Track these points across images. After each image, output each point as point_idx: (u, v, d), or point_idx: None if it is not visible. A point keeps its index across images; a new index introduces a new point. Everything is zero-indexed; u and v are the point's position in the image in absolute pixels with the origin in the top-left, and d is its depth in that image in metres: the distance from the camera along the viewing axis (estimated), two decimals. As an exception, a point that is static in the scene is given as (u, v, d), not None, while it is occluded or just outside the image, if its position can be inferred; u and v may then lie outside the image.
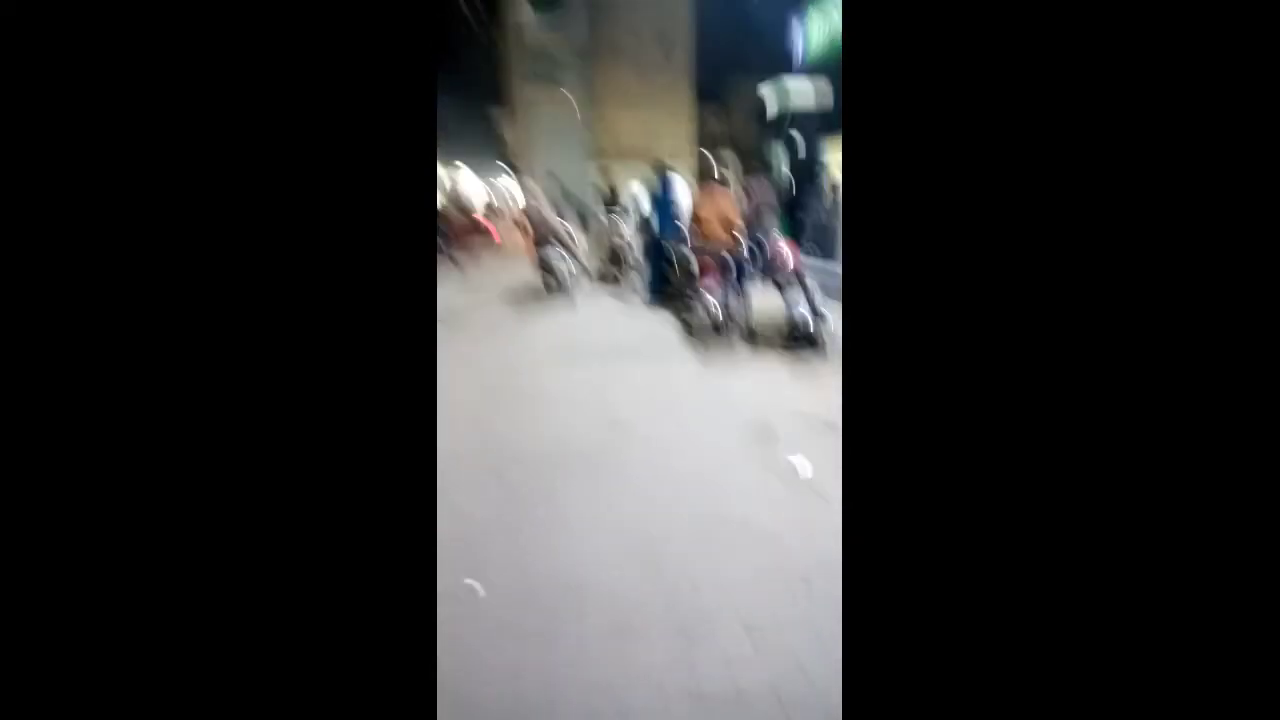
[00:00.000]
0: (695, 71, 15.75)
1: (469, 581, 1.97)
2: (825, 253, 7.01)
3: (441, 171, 16.26)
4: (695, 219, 5.19)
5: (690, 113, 16.26)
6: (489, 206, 14.98)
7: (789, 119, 9.55)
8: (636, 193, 7.95)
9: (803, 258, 4.91)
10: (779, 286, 4.85)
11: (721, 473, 2.75)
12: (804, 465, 2.76)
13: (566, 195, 10.09)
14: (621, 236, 7.84)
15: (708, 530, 2.29)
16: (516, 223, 7.33)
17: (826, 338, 4.62)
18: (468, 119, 15.82)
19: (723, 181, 5.34)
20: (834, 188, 7.60)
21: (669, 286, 6.38)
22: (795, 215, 8.10)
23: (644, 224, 7.17)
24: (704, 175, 5.34)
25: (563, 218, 7.35)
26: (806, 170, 9.00)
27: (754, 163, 9.70)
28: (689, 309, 5.35)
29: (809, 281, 4.70)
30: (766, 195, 7.02)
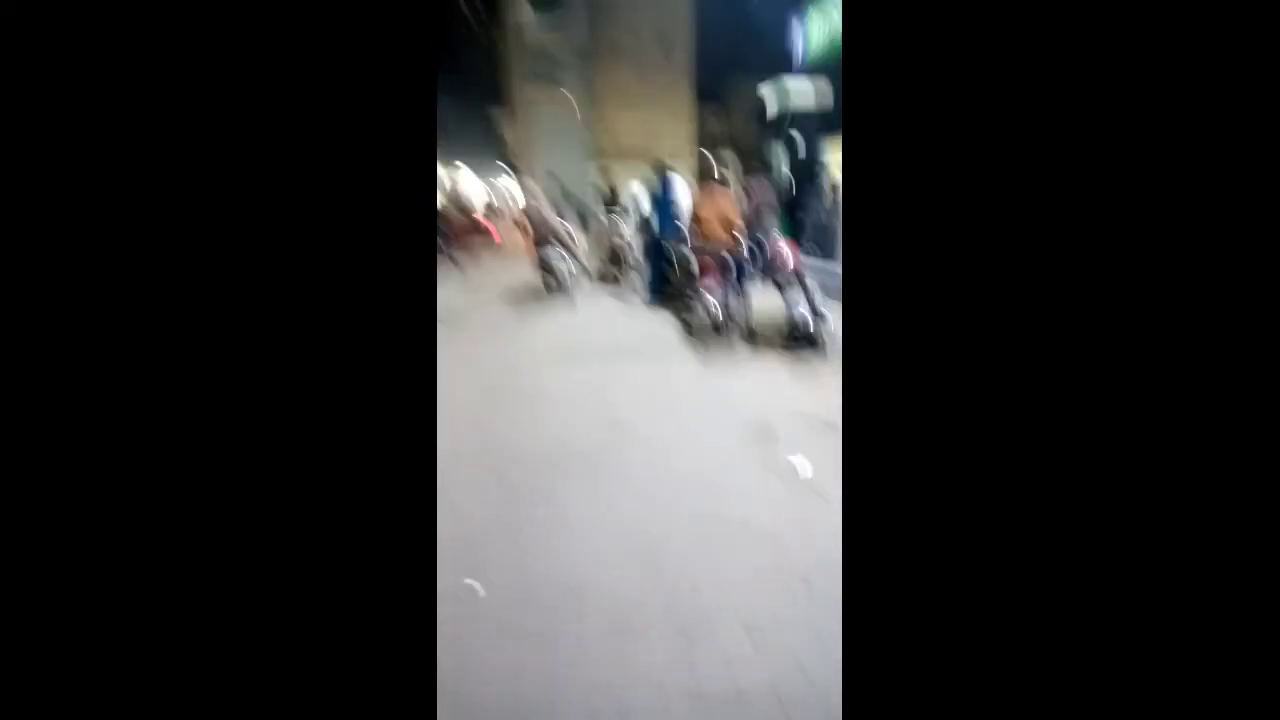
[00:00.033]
0: (695, 71, 15.75)
1: (469, 581, 1.97)
2: (825, 253, 7.01)
3: (441, 171, 16.26)
4: (695, 219, 5.19)
5: (690, 113, 16.25)
6: (489, 206, 14.98)
7: (789, 119, 9.55)
8: (636, 193, 7.95)
9: (803, 258, 4.91)
10: (779, 286, 4.85)
11: (721, 473, 2.75)
12: (804, 465, 2.76)
13: (566, 195, 10.08)
14: (621, 236, 7.83)
15: (708, 530, 2.29)
16: (516, 223, 7.33)
17: (826, 338, 4.61)
18: (468, 119, 15.82)
19: (723, 181, 5.33)
20: (834, 188, 7.59)
21: (669, 286, 6.37)
22: (795, 215, 8.10)
23: (644, 224, 7.16)
24: (704, 175, 5.33)
25: (563, 218, 7.34)
26: (806, 170, 8.99)
27: (754, 163, 9.70)
28: (689, 309, 5.35)
29: (809, 281, 4.70)
30: (766, 195, 7.02)
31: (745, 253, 5.17)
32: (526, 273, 7.26)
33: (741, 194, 6.62)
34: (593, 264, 8.17)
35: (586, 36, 15.08)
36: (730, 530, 2.29)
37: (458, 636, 1.70)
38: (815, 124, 9.16)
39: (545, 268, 6.91)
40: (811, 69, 9.18)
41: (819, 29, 7.65)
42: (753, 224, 5.95)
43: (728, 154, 5.83)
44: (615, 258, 7.88)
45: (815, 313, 4.57)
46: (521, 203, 7.11)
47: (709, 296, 4.90)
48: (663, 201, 6.46)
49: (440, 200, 11.95)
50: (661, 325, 5.63)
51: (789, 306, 4.67)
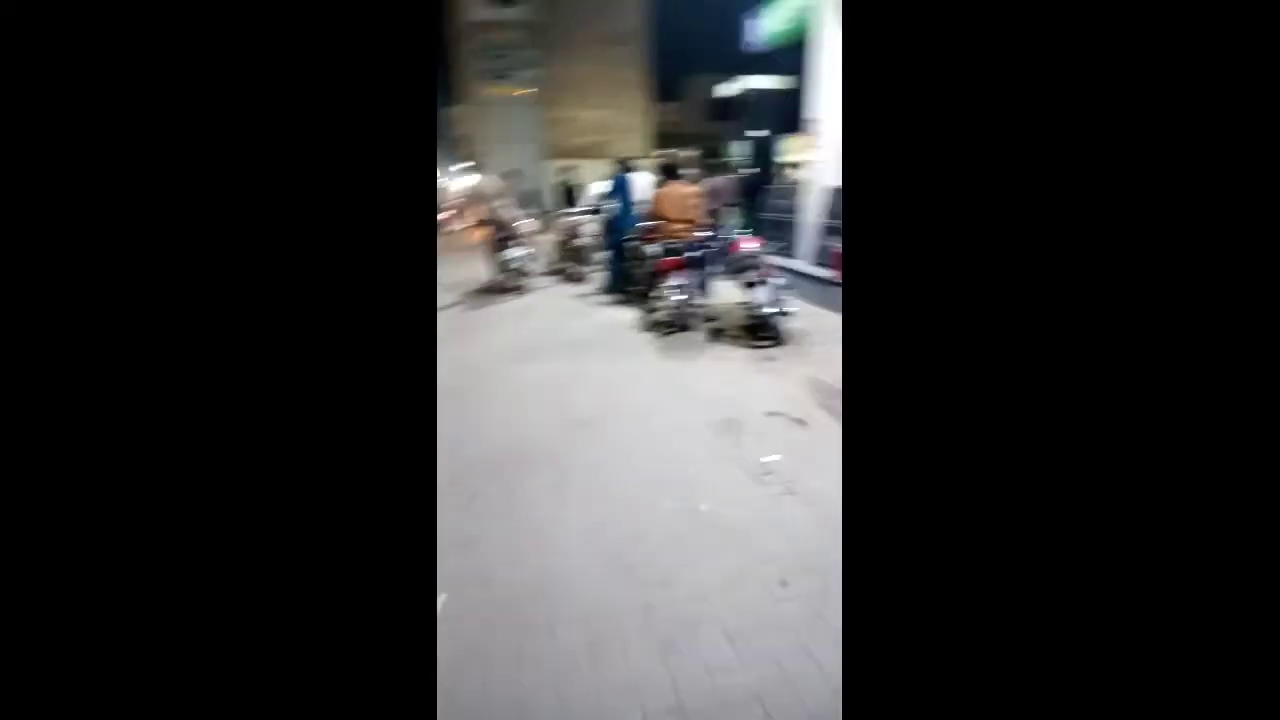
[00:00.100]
0: (655, 69, 15.80)
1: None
2: (787, 248, 7.04)
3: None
4: (657, 215, 5.15)
5: (650, 110, 16.30)
6: (450, 205, 14.72)
7: (749, 115, 9.61)
8: (597, 190, 7.87)
9: (765, 253, 4.91)
10: (743, 282, 4.84)
11: (690, 472, 2.69)
12: (774, 462, 2.73)
13: (527, 193, 9.96)
14: (583, 234, 7.76)
15: (679, 530, 2.23)
16: (477, 222, 7.21)
17: (791, 332, 4.62)
18: (427, 118, 15.60)
19: (684, 178, 5.30)
20: (794, 183, 7.64)
21: (632, 284, 6.33)
22: (757, 211, 8.14)
23: (605, 221, 7.09)
24: (665, 172, 5.29)
25: (523, 216, 7.24)
26: (767, 166, 9.05)
27: (715, 159, 9.72)
28: (652, 306, 5.30)
29: (772, 277, 4.70)
30: (728, 191, 7.02)
31: (708, 249, 5.15)
32: (487, 272, 7.12)
33: (703, 190, 6.61)
34: (554, 262, 8.08)
35: (545, 36, 14.99)
36: (701, 529, 2.24)
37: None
38: (775, 120, 9.23)
39: (506, 266, 6.81)
40: (770, 65, 9.24)
41: (776, 26, 7.71)
42: (715, 220, 5.94)
43: (688, 151, 5.79)
44: (577, 255, 7.81)
45: (779, 309, 4.57)
46: (482, 202, 6.97)
47: (672, 293, 4.86)
48: (624, 198, 6.40)
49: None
50: (625, 323, 5.57)
51: (753, 302, 4.66)
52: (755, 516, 2.33)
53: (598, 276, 7.20)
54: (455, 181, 17.30)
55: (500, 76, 15.43)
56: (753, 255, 4.81)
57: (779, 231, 7.09)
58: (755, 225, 7.40)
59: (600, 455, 2.91)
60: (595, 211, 7.30)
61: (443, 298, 6.90)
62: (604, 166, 8.19)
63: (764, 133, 9.36)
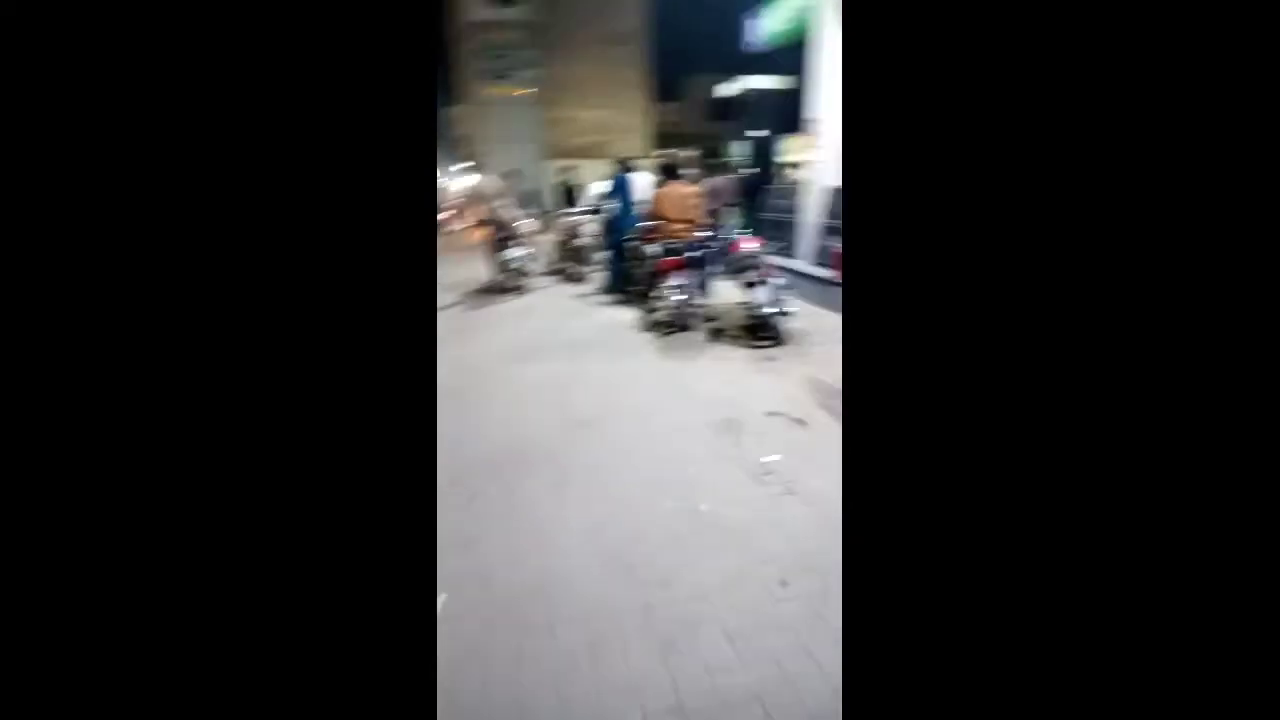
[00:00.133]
0: (655, 69, 15.80)
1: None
2: (787, 248, 7.04)
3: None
4: (657, 215, 5.14)
5: (650, 110, 16.29)
6: (450, 205, 14.72)
7: (749, 115, 9.60)
8: (598, 190, 7.87)
9: (765, 253, 4.90)
10: (743, 282, 4.83)
11: (690, 471, 2.69)
12: (774, 462, 2.73)
13: (527, 194, 9.96)
14: (583, 234, 7.75)
15: (679, 530, 2.23)
16: (477, 222, 7.20)
17: (791, 332, 4.62)
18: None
19: (684, 178, 5.30)
20: (794, 183, 7.64)
21: (632, 284, 6.32)
22: (757, 211, 8.13)
23: (605, 221, 7.09)
24: (665, 172, 5.29)
25: (523, 216, 7.23)
26: (768, 166, 9.05)
27: (715, 159, 9.71)
28: (652, 306, 5.30)
29: (772, 277, 4.69)
30: (728, 191, 7.02)
31: (708, 249, 5.14)
32: (488, 272, 7.12)
33: (703, 190, 6.61)
34: (555, 262, 8.08)
35: (546, 36, 14.99)
36: (702, 529, 2.24)
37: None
38: (775, 120, 9.23)
39: (507, 267, 6.81)
40: (770, 65, 9.24)
41: (776, 26, 7.70)
42: (715, 220, 5.93)
43: (688, 151, 5.79)
44: (577, 255, 7.80)
45: (780, 308, 4.57)
46: (482, 202, 6.96)
47: (673, 293, 4.86)
48: (624, 199, 6.40)
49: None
50: (624, 323, 5.57)
51: (753, 302, 4.66)
52: (755, 516, 2.33)
53: (598, 276, 7.20)
54: (455, 181, 17.29)
55: (500, 76, 15.43)
56: (753, 255, 4.80)
57: (779, 231, 7.09)
58: (755, 225, 7.40)
59: (600, 455, 2.91)
60: (595, 211, 7.30)
61: (442, 298, 6.90)
62: (604, 166, 8.18)
63: (764, 133, 9.35)
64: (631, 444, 3.01)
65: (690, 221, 5.02)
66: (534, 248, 7.07)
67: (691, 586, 1.94)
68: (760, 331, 4.67)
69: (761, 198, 8.32)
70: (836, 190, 6.50)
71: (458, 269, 8.15)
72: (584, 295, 6.87)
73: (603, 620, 1.81)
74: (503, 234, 6.81)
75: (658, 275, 5.14)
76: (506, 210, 6.88)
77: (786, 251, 6.95)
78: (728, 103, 10.18)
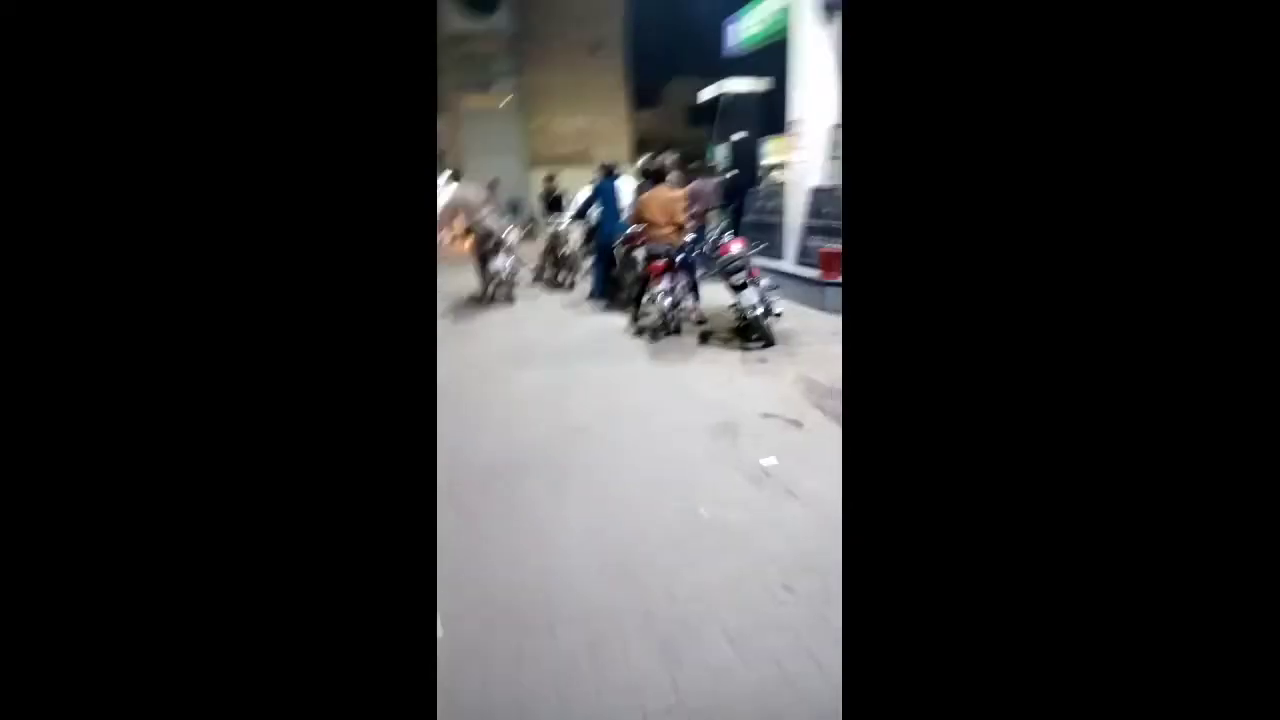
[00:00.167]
0: (634, 75, 15.85)
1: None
2: (772, 251, 7.07)
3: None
4: (642, 221, 5.16)
5: (631, 116, 16.32)
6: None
7: (731, 119, 9.65)
8: (581, 197, 7.88)
9: (751, 255, 4.93)
10: (731, 285, 4.86)
11: (687, 475, 2.70)
12: (771, 465, 2.73)
13: (510, 202, 9.94)
14: (568, 241, 7.75)
15: (678, 532, 2.23)
16: (462, 231, 7.17)
17: (780, 333, 4.64)
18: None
19: (668, 183, 5.32)
20: (778, 185, 7.68)
21: (618, 290, 6.32)
22: (741, 214, 8.17)
23: (590, 228, 7.09)
24: (648, 177, 5.30)
25: (507, 225, 7.20)
26: (750, 169, 9.09)
27: (698, 163, 9.74)
28: (641, 311, 5.31)
29: (760, 280, 4.71)
30: (712, 195, 7.05)
31: (694, 253, 5.16)
32: (473, 281, 7.09)
33: (687, 194, 6.63)
34: (540, 270, 8.06)
35: (524, 44, 15.00)
36: (702, 533, 2.24)
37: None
38: (757, 123, 9.28)
39: (491, 276, 6.77)
40: (750, 68, 9.29)
41: (755, 29, 7.77)
42: (700, 224, 5.95)
43: (671, 156, 5.81)
44: (563, 263, 7.79)
45: (768, 310, 4.58)
46: (465, 211, 6.91)
47: (660, 298, 4.87)
48: (608, 205, 6.41)
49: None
50: (613, 328, 5.57)
51: (742, 305, 4.68)
52: (754, 518, 2.33)
53: (585, 283, 7.19)
54: (439, 193, 17.25)
55: (480, 87, 15.42)
56: (739, 257, 4.83)
57: (763, 233, 7.12)
58: (740, 227, 7.43)
59: (598, 460, 2.90)
60: (580, 217, 7.30)
61: (430, 309, 6.85)
62: (587, 173, 8.19)
63: (746, 135, 9.40)
64: (629, 449, 3.01)
65: (676, 225, 5.04)
66: (520, 257, 7.04)
67: (692, 587, 1.94)
68: (750, 333, 4.69)
69: (746, 200, 8.36)
70: (819, 191, 6.54)
71: (443, 279, 8.11)
72: (572, 303, 6.87)
73: (603, 621, 1.80)
74: (488, 244, 6.77)
75: (645, 280, 5.15)
76: (491, 220, 6.85)
77: (772, 253, 6.98)
78: (709, 106, 10.22)
